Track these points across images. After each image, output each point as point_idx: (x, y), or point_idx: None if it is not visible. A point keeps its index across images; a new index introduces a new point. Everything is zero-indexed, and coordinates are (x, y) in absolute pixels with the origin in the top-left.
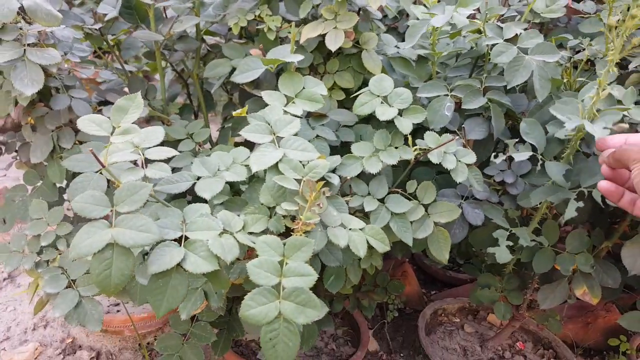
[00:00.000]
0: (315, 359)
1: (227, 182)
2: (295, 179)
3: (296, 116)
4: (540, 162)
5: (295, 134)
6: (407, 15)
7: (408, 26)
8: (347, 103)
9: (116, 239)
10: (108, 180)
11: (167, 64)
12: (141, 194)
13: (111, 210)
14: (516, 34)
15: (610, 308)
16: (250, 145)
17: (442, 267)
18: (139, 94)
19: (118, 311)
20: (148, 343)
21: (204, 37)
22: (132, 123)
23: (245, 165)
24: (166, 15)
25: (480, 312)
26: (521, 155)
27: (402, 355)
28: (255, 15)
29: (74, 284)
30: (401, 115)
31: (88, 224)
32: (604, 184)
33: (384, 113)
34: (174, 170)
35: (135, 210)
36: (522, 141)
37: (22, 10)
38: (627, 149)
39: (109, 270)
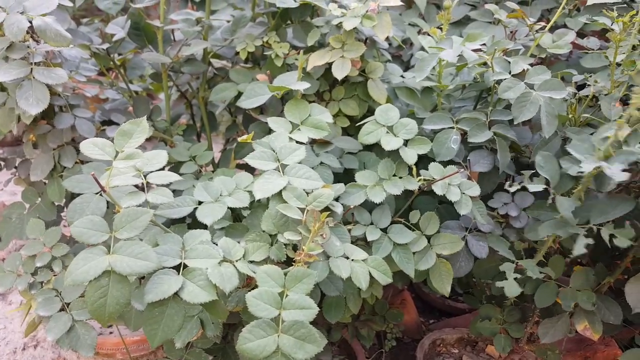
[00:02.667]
0: None
1: (229, 208)
2: (298, 208)
3: (301, 143)
4: (552, 196)
5: (300, 162)
6: (411, 43)
7: (412, 55)
8: (351, 130)
9: (113, 266)
10: (108, 202)
11: (173, 87)
12: (142, 220)
13: (110, 236)
14: (523, 70)
15: (609, 342)
16: (251, 169)
17: (441, 296)
18: (144, 119)
19: (111, 333)
20: None
21: (211, 60)
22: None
23: (248, 191)
24: (174, 38)
25: (479, 343)
26: (535, 187)
27: None
28: (263, 42)
29: (67, 307)
30: (406, 146)
31: (85, 250)
32: None
33: (389, 143)
34: (175, 192)
35: (134, 237)
36: (534, 174)
37: (30, 29)
38: None
39: (104, 299)
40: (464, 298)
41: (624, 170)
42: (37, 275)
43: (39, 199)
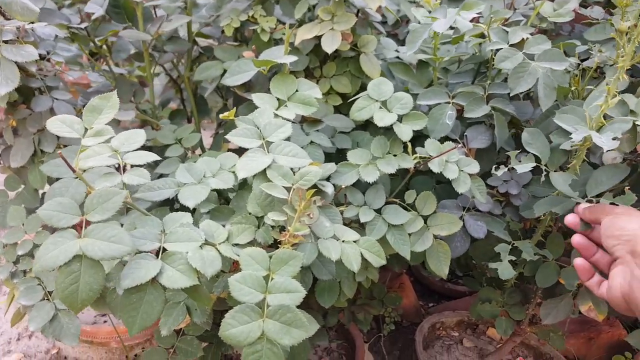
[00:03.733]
0: None
1: (214, 190)
2: (284, 187)
3: (288, 120)
4: (545, 172)
5: (287, 139)
6: (408, 21)
7: (409, 31)
8: (343, 109)
9: (85, 250)
10: None
11: (155, 67)
12: (114, 201)
13: (81, 219)
14: (522, 39)
15: (613, 323)
16: (243, 152)
17: (440, 279)
18: (114, 94)
19: (105, 322)
20: (135, 355)
21: (197, 39)
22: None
23: (233, 172)
24: (156, 16)
25: (479, 326)
26: (524, 166)
27: None
28: (249, 16)
29: (50, 295)
30: (401, 122)
31: (55, 234)
32: (579, 261)
33: (383, 119)
34: (160, 177)
35: (107, 220)
36: (525, 151)
37: None
38: (604, 205)
39: (76, 285)
40: (463, 281)
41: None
42: (19, 264)
43: (23, 186)
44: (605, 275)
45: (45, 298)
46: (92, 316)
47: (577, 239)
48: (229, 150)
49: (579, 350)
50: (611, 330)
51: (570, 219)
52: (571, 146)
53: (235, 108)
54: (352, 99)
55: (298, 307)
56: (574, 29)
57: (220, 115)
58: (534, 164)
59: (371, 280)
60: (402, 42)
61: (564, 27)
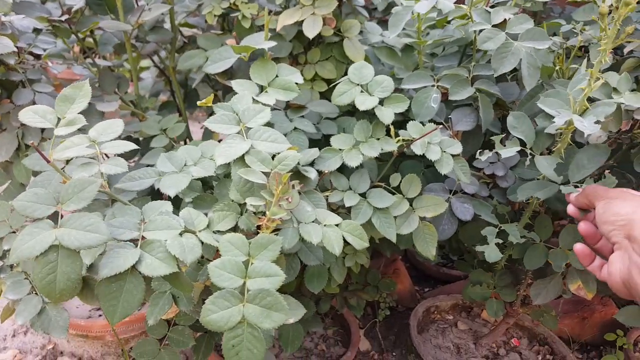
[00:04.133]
0: None
1: (197, 179)
2: (262, 172)
3: (268, 106)
4: (530, 156)
5: (268, 124)
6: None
7: (391, 16)
8: (329, 94)
9: (61, 240)
10: None
11: (140, 59)
12: (89, 190)
13: (57, 209)
14: (505, 19)
15: (606, 302)
16: None
17: (436, 264)
18: (87, 82)
19: (100, 315)
20: (131, 348)
21: (183, 29)
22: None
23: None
24: (137, 5)
25: (474, 308)
26: (509, 151)
27: (394, 354)
28: (231, 3)
29: (37, 289)
30: (382, 105)
31: (31, 225)
32: (579, 246)
33: (364, 102)
34: (146, 167)
35: (82, 209)
36: (510, 135)
37: None
38: (596, 186)
39: (53, 275)
40: (456, 264)
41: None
42: (5, 259)
43: (9, 181)
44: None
45: (33, 292)
46: (87, 310)
47: (582, 227)
48: (219, 141)
49: (573, 330)
50: (604, 310)
51: (571, 210)
52: (555, 130)
53: (211, 95)
54: (332, 84)
55: (290, 293)
56: (564, 11)
57: (198, 103)
58: (519, 148)
59: (361, 266)
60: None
61: (555, 9)
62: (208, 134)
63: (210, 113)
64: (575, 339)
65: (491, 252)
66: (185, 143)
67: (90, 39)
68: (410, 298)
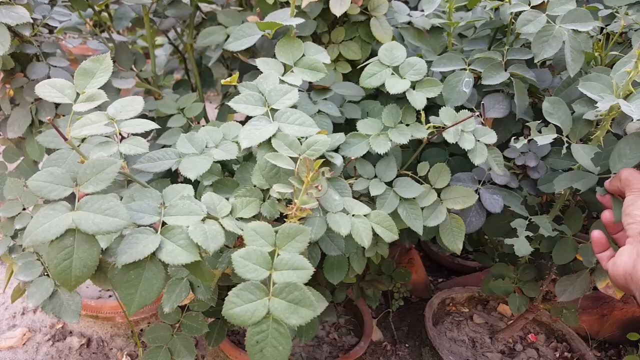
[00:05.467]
0: (316, 349)
1: (217, 162)
2: (290, 157)
3: (294, 86)
4: (566, 144)
5: (293, 107)
6: None
7: None
8: (352, 77)
9: (78, 224)
10: None
11: (157, 36)
12: (108, 171)
13: (74, 191)
14: (544, 1)
15: (628, 300)
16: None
17: (450, 254)
18: (108, 55)
19: (110, 296)
20: (141, 330)
21: (200, 5)
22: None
23: (237, 142)
24: None
25: (490, 302)
26: (544, 138)
27: (407, 345)
28: None
29: (49, 271)
30: (414, 89)
31: (46, 206)
32: (596, 233)
33: (395, 85)
34: (163, 147)
35: (101, 191)
36: (545, 122)
37: None
38: (633, 172)
39: (69, 261)
40: (474, 256)
41: None
42: (17, 238)
43: (22, 157)
44: None
45: (45, 274)
46: (97, 291)
47: (606, 215)
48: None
49: (592, 327)
50: (625, 307)
51: (600, 197)
52: (595, 116)
53: (237, 73)
54: (362, 65)
55: (306, 283)
56: None
57: (222, 81)
58: (555, 135)
59: (381, 257)
60: (414, 9)
61: None
62: (222, 115)
63: (225, 94)
64: (594, 336)
65: (521, 246)
66: (200, 123)
67: (105, 13)
68: (425, 289)
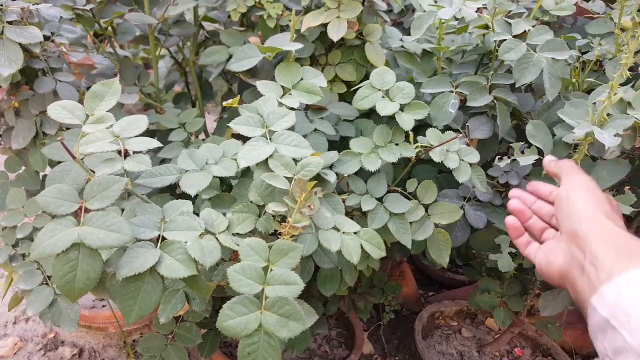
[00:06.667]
0: None
1: (216, 177)
2: (285, 177)
3: (292, 109)
4: None
5: (290, 128)
6: (413, 10)
7: (414, 19)
8: (348, 96)
9: (83, 238)
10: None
11: (160, 50)
12: (114, 189)
13: (80, 207)
14: (525, 31)
15: None
16: (246, 138)
17: (441, 268)
18: (117, 80)
19: (104, 306)
20: (133, 341)
21: (203, 23)
22: (117, 112)
23: (236, 160)
24: None
25: (478, 315)
26: (527, 159)
27: (397, 358)
28: (256, 2)
29: (49, 280)
30: (403, 111)
31: (53, 221)
32: (511, 219)
33: (385, 108)
34: (163, 161)
35: (106, 207)
36: (528, 143)
37: None
38: (572, 163)
39: (73, 273)
40: (463, 270)
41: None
42: (18, 247)
43: (24, 167)
44: (535, 238)
45: (44, 282)
46: (91, 300)
47: (513, 204)
48: (232, 135)
49: (576, 342)
50: None
51: (510, 221)
52: (573, 140)
53: (239, 95)
54: (355, 87)
55: (299, 295)
56: (576, 22)
57: (224, 103)
58: (537, 157)
59: (372, 270)
60: (407, 31)
61: (567, 20)
62: (221, 127)
63: (224, 108)
64: (578, 350)
65: (504, 261)
66: (206, 136)
67: (109, 27)
68: (415, 302)
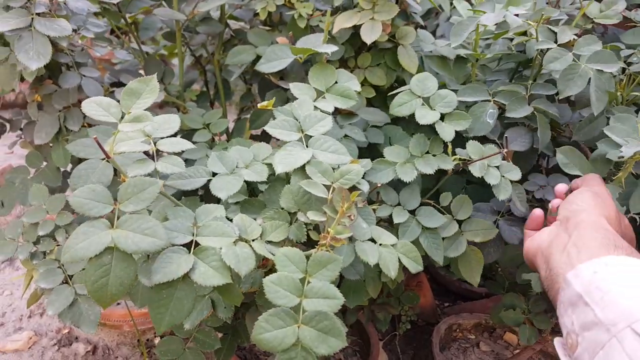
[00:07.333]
0: None
1: (244, 181)
2: (324, 185)
3: (327, 113)
4: None
5: (325, 134)
6: (437, 13)
7: (437, 25)
8: (375, 101)
9: (117, 242)
10: (115, 170)
11: (186, 48)
12: (149, 191)
13: (114, 209)
14: (570, 40)
15: None
16: (267, 139)
17: (458, 279)
18: (155, 77)
19: (118, 304)
20: (147, 339)
21: (228, 21)
22: (145, 109)
23: (267, 164)
24: None
25: (496, 329)
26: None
27: None
28: (285, 1)
29: (70, 279)
30: (443, 120)
31: (86, 223)
32: (537, 211)
33: (425, 116)
34: (187, 162)
35: (141, 210)
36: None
37: None
38: (593, 175)
39: (106, 278)
40: (485, 284)
41: None
42: (39, 245)
43: (45, 163)
44: None
45: (65, 282)
46: None
47: (554, 203)
48: (251, 136)
49: None
50: None
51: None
52: (617, 157)
53: (273, 98)
54: (391, 93)
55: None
56: (606, 31)
57: (259, 105)
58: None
59: (396, 282)
60: (431, 34)
61: (596, 29)
62: (239, 128)
63: (242, 108)
64: None
65: (538, 281)
66: (227, 137)
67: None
68: (432, 313)
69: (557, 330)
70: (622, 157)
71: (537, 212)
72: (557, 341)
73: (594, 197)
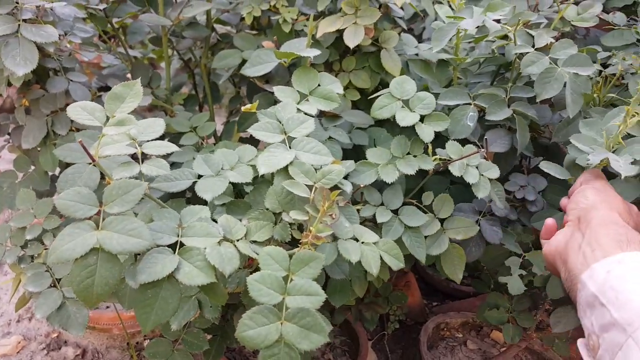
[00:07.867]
0: None
1: (230, 183)
2: (306, 185)
3: (310, 115)
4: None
5: (308, 135)
6: (423, 16)
7: (424, 28)
8: (361, 104)
9: (102, 243)
10: (102, 173)
11: (173, 52)
12: (134, 193)
13: (99, 211)
14: (547, 44)
15: None
16: (255, 143)
17: (446, 278)
18: (139, 82)
19: (107, 307)
20: (137, 342)
21: (214, 25)
22: (130, 113)
23: (252, 166)
24: (176, 0)
25: (483, 328)
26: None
27: None
28: (270, 6)
29: (58, 283)
30: (422, 122)
31: (71, 225)
32: (550, 221)
33: (405, 118)
34: (173, 165)
35: (126, 212)
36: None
37: None
38: (594, 170)
39: (91, 279)
40: (472, 283)
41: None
42: (27, 249)
43: (32, 167)
44: None
45: (53, 285)
46: None
47: (564, 201)
48: (240, 138)
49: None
50: None
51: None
52: (586, 163)
53: (256, 101)
54: (373, 96)
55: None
56: (588, 33)
57: (242, 108)
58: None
59: (382, 281)
60: (417, 37)
61: (579, 31)
62: (228, 131)
63: (231, 111)
64: None
65: (514, 284)
66: (215, 139)
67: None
68: (420, 312)
69: (541, 328)
70: (590, 164)
71: (550, 221)
72: (580, 342)
73: (597, 193)
